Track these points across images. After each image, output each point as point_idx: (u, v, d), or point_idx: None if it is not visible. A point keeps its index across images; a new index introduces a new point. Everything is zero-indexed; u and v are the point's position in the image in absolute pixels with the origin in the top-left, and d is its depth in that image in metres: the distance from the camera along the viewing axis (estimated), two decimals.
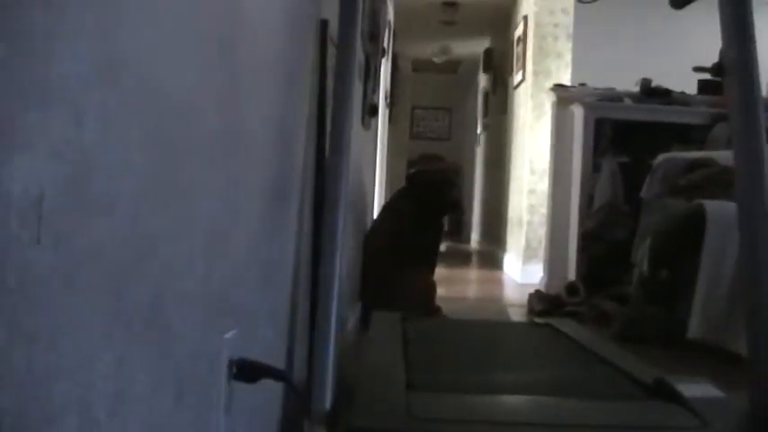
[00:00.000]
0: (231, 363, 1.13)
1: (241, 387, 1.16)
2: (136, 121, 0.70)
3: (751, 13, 1.68)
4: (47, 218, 0.53)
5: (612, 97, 5.64)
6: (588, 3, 5.04)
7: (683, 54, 6.04)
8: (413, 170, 4.86)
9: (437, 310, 4.37)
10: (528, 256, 7.01)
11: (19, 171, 0.49)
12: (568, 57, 6.91)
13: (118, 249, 0.66)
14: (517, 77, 7.79)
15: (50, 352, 0.54)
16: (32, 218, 0.51)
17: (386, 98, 7.61)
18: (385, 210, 4.64)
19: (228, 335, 1.10)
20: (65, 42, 0.55)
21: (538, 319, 3.21)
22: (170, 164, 0.81)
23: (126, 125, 0.67)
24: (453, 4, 9.23)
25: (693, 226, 3.67)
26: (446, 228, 6.15)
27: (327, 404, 1.54)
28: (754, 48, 1.67)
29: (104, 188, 0.63)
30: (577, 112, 5.64)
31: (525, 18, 7.37)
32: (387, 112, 8.19)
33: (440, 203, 4.47)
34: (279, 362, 1.53)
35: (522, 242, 7.12)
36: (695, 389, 1.72)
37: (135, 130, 0.70)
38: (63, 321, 0.56)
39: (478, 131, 12.11)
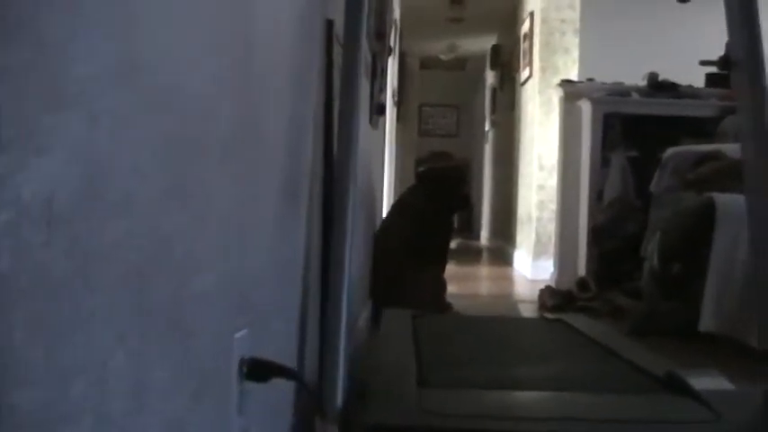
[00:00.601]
0: (242, 362, 1.13)
1: (253, 387, 1.17)
2: (150, 122, 0.71)
3: (757, 5, 1.68)
4: (60, 220, 0.53)
5: (620, 92, 5.64)
6: None
7: (690, 48, 6.03)
8: (422, 168, 4.86)
9: (448, 307, 4.37)
10: (538, 252, 7.01)
11: (34, 174, 0.50)
12: (576, 52, 6.90)
13: (131, 250, 0.67)
14: (524, 74, 7.79)
15: (65, 351, 0.55)
16: (43, 220, 0.51)
17: (393, 96, 7.62)
18: (395, 207, 4.65)
19: (239, 334, 1.11)
20: (79, 44, 0.55)
21: (549, 315, 3.22)
22: (184, 164, 0.81)
23: (140, 126, 0.68)
24: (460, 2, 9.22)
25: (704, 219, 3.66)
26: (456, 225, 6.15)
27: (339, 402, 1.54)
28: (761, 40, 1.67)
29: (119, 189, 0.64)
30: (585, 107, 5.64)
31: (532, 14, 7.37)
32: (395, 110, 8.19)
33: (450, 200, 4.47)
34: (290, 361, 1.53)
35: (532, 238, 7.11)
36: (706, 381, 1.72)
37: (150, 131, 0.70)
38: (78, 321, 0.57)
39: (486, 128, 12.11)
